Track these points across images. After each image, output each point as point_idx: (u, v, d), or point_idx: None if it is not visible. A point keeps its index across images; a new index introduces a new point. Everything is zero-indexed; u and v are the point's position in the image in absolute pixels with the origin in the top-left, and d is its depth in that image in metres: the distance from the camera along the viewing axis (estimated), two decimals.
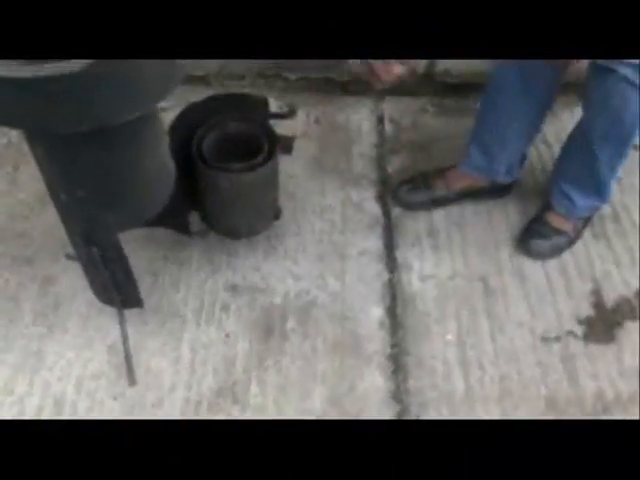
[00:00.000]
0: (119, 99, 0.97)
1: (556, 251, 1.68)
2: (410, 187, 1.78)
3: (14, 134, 1.93)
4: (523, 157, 1.73)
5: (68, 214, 1.24)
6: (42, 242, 1.69)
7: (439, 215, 1.77)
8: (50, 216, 1.72)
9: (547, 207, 1.70)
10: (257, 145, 1.48)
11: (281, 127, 1.65)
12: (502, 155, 1.67)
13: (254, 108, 1.52)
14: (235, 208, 1.55)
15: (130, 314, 1.49)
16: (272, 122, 1.56)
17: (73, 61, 0.89)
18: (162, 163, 1.25)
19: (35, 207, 1.76)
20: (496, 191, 1.77)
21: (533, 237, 1.68)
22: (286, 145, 1.55)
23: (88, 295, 1.56)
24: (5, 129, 1.94)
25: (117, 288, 1.38)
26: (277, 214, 1.69)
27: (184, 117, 1.44)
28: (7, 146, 1.90)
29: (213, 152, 1.47)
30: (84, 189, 1.15)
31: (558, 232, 1.67)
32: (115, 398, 1.44)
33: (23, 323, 1.55)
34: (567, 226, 1.67)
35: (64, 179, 1.15)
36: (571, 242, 1.69)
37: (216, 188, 1.49)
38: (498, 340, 1.54)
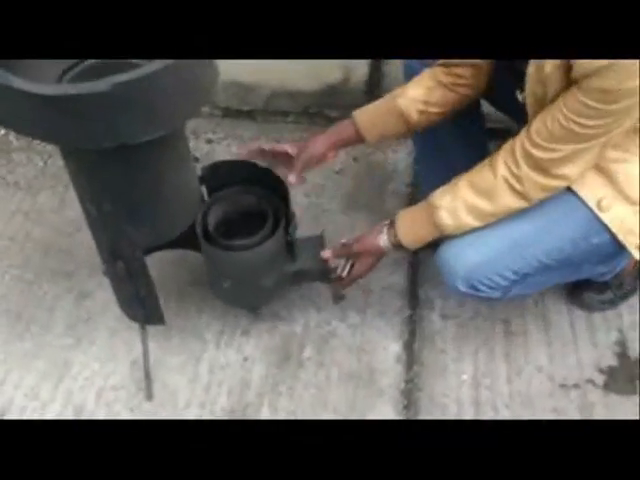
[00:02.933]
0: (141, 120, 1.03)
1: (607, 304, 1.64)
2: None
3: None
4: None
5: (97, 228, 1.32)
6: (83, 258, 1.78)
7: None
8: None
9: None
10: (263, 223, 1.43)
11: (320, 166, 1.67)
12: None
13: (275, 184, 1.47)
14: (214, 276, 1.53)
15: (155, 331, 1.55)
16: None
17: (100, 81, 0.97)
18: (185, 184, 1.31)
19: (81, 225, 1.84)
20: None
21: (588, 290, 1.63)
22: (338, 293, 1.57)
23: (119, 310, 1.63)
24: None
25: (140, 303, 1.44)
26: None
27: (211, 172, 1.48)
28: (62, 168, 2.00)
29: (221, 221, 1.48)
30: (110, 203, 1.22)
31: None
32: (132, 410, 1.49)
33: (55, 333, 1.63)
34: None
35: (92, 192, 1.23)
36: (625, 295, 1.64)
37: (212, 261, 1.49)
38: (514, 383, 1.52)
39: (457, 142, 1.57)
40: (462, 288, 1.30)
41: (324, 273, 1.51)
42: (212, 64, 1.12)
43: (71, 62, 1.14)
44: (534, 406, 1.48)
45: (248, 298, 1.57)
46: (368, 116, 1.43)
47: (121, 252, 1.33)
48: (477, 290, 1.30)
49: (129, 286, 1.39)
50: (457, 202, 1.25)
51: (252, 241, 1.40)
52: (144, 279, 1.38)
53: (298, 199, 1.87)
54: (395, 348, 1.59)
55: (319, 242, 1.54)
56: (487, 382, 1.53)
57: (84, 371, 1.55)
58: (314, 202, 1.92)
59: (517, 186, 1.20)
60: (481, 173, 1.24)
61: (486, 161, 1.25)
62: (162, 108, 1.05)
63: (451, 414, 1.48)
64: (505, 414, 1.47)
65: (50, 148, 2.09)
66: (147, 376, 1.51)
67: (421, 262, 1.77)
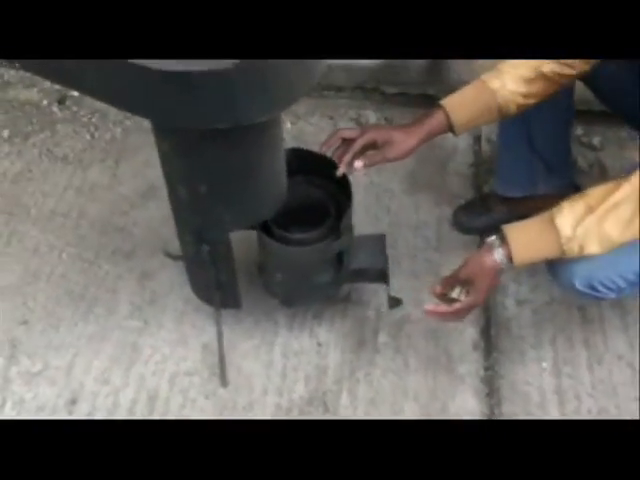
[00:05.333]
0: (259, 100, 0.98)
1: None
2: (469, 211, 1.75)
3: (118, 130, 1.98)
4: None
5: (184, 210, 1.26)
6: (141, 237, 1.72)
7: None
8: (150, 212, 1.77)
9: None
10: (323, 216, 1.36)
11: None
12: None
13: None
14: (266, 267, 1.47)
15: (225, 314, 1.50)
16: None
17: (223, 60, 0.91)
18: (279, 167, 1.25)
19: (135, 202, 1.80)
20: None
21: None
22: (392, 301, 1.51)
23: (185, 292, 1.58)
24: (110, 124, 1.99)
25: (219, 287, 1.39)
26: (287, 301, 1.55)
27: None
28: (111, 141, 1.95)
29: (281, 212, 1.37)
30: (206, 185, 1.16)
31: None
32: (207, 397, 1.45)
33: (120, 315, 1.57)
34: None
35: (188, 174, 1.17)
36: None
37: (266, 252, 1.41)
38: (596, 371, 1.49)
39: (543, 114, 1.51)
40: (579, 287, 1.24)
41: (383, 275, 1.46)
42: None
43: None
44: (618, 395, 1.46)
45: (299, 294, 1.50)
46: (463, 110, 1.32)
47: (208, 236, 1.28)
48: (595, 290, 1.24)
49: (210, 270, 1.34)
50: (591, 235, 1.14)
51: (311, 236, 1.34)
52: (228, 263, 1.34)
53: (358, 179, 1.80)
54: (471, 333, 1.56)
55: (380, 242, 1.49)
56: (568, 370, 1.49)
57: (155, 355, 1.51)
58: (375, 181, 1.87)
59: None
60: (623, 205, 1.12)
61: (626, 188, 1.12)
62: (279, 88, 1.00)
63: (534, 403, 1.45)
64: (589, 403, 1.44)
65: (96, 120, 2.01)
66: (222, 362, 1.46)
67: None
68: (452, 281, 1.28)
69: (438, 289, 1.29)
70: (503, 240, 1.20)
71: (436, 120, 1.32)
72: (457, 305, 1.26)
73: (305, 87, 1.05)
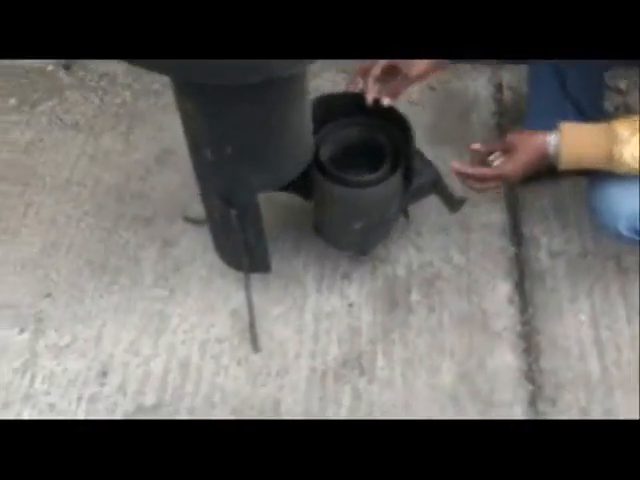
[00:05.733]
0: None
1: None
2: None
3: (128, 94, 1.92)
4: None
5: (210, 173, 1.21)
6: (160, 203, 1.67)
7: (567, 188, 1.68)
8: (167, 177, 1.72)
9: None
10: (381, 159, 1.34)
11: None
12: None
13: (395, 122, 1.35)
14: (321, 214, 1.45)
15: (252, 279, 1.46)
16: None
17: None
18: (306, 126, 1.20)
19: (151, 168, 1.74)
20: None
21: None
22: (455, 203, 1.43)
23: (208, 258, 1.54)
24: (119, 88, 1.93)
25: (248, 251, 1.35)
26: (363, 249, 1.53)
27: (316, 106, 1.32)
28: (121, 105, 1.89)
29: (334, 154, 1.36)
30: (233, 146, 1.11)
31: None
32: (239, 363, 1.42)
33: (144, 285, 1.54)
34: None
35: (214, 135, 1.12)
36: None
37: (325, 197, 1.38)
38: (634, 323, 1.46)
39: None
40: (623, 230, 1.21)
41: (438, 183, 1.42)
42: None
43: None
44: None
45: (375, 236, 1.48)
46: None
47: (236, 199, 1.23)
48: (638, 234, 1.21)
49: (239, 234, 1.29)
50: None
51: (379, 175, 1.31)
52: (257, 227, 1.29)
53: None
54: (505, 288, 1.52)
55: (419, 154, 1.43)
56: (606, 322, 1.46)
57: (183, 324, 1.47)
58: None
59: None
60: None
61: None
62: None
63: (573, 356, 1.42)
64: (629, 355, 1.41)
65: (105, 85, 1.95)
66: (252, 327, 1.43)
67: (519, 197, 1.67)
68: (495, 144, 1.27)
69: (478, 146, 1.27)
70: (558, 130, 1.19)
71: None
72: (485, 170, 1.25)
73: None
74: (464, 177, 1.29)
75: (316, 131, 1.33)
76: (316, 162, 1.31)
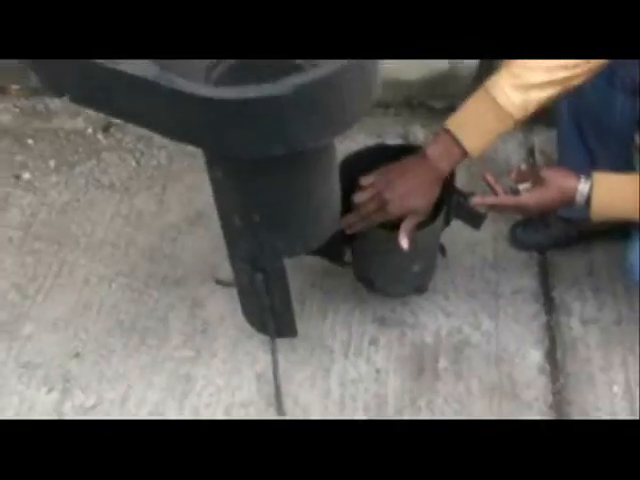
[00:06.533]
0: (317, 123, 0.93)
1: None
2: (526, 227, 1.68)
3: (163, 155, 1.97)
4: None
5: (238, 239, 1.22)
6: (191, 265, 1.69)
7: (599, 253, 1.66)
8: (198, 238, 1.75)
9: None
10: None
11: None
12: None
13: None
14: (375, 264, 1.45)
15: (278, 342, 1.46)
16: None
17: (278, 83, 0.87)
18: (334, 192, 1.21)
19: (183, 229, 1.77)
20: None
21: None
22: (475, 219, 1.43)
23: (236, 320, 1.54)
24: (155, 150, 1.98)
25: (273, 315, 1.35)
26: (422, 288, 1.55)
27: (347, 164, 1.33)
28: (156, 167, 1.94)
29: None
30: (260, 214, 1.13)
31: None
32: None
33: (172, 345, 1.54)
34: None
35: (242, 203, 1.13)
36: None
37: (383, 246, 1.35)
38: None
39: (606, 142, 1.45)
40: None
41: (462, 206, 1.37)
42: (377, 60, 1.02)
43: (211, 61, 1.05)
44: None
45: (430, 274, 1.51)
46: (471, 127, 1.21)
47: (262, 263, 1.24)
48: None
49: (264, 298, 1.30)
50: None
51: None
52: (283, 291, 1.29)
53: None
54: (535, 357, 1.49)
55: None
56: None
57: (209, 386, 1.47)
58: None
59: None
60: None
61: None
62: (338, 110, 0.95)
63: None
64: None
65: (141, 147, 2.00)
66: (278, 392, 1.42)
67: (550, 263, 1.66)
68: (529, 173, 1.26)
69: (513, 175, 1.27)
70: (589, 178, 1.18)
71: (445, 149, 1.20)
72: (507, 200, 1.25)
73: (364, 107, 1.01)
74: (484, 203, 1.29)
75: (353, 186, 1.33)
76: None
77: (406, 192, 1.20)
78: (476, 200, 1.28)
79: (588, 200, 1.17)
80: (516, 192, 1.25)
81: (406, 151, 1.35)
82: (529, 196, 1.23)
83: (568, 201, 1.20)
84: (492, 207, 1.30)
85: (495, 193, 1.27)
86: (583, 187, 1.18)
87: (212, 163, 1.12)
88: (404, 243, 1.22)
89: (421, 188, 1.21)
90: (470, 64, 1.90)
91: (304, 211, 1.17)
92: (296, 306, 1.54)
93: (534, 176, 1.24)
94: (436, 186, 1.22)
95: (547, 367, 1.47)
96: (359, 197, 1.24)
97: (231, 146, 0.96)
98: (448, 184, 1.34)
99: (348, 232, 1.29)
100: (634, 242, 1.26)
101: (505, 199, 1.26)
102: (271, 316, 1.34)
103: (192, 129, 0.95)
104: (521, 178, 1.27)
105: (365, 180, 1.25)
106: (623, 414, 1.39)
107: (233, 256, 1.30)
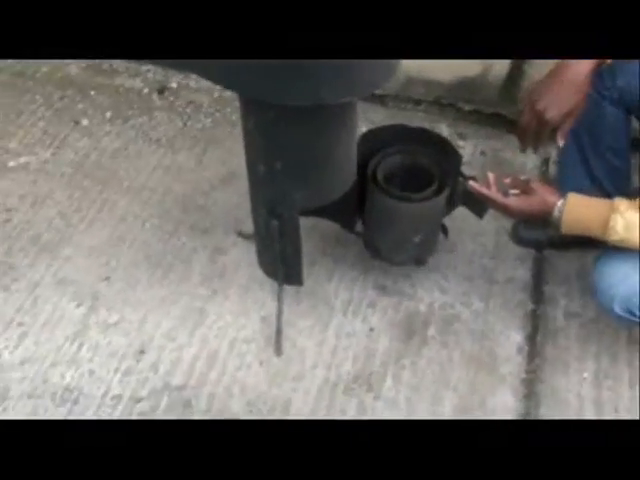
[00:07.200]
0: (345, 83, 1.09)
1: None
2: (527, 225, 1.80)
3: (208, 121, 2.15)
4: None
5: (260, 186, 1.39)
6: (218, 217, 1.86)
7: (591, 259, 1.77)
8: (228, 195, 1.92)
9: None
10: (428, 180, 1.49)
11: None
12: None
13: (444, 151, 1.52)
14: (381, 232, 1.58)
15: (286, 294, 1.62)
16: None
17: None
18: (351, 151, 1.36)
19: (216, 185, 1.95)
20: None
21: None
22: (478, 207, 1.59)
23: (251, 270, 1.70)
24: (202, 115, 2.16)
25: (284, 263, 1.50)
26: (421, 259, 1.70)
27: (366, 138, 1.51)
28: (200, 130, 2.12)
29: (387, 177, 1.51)
30: (282, 162, 1.29)
31: None
32: (261, 363, 1.56)
33: (191, 283, 1.71)
34: None
35: (267, 150, 1.30)
36: None
37: (388, 214, 1.52)
38: (636, 389, 1.53)
39: (601, 151, 1.57)
40: (618, 310, 1.30)
41: (465, 194, 1.53)
42: None
43: None
44: None
45: (430, 248, 1.65)
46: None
47: (279, 211, 1.40)
48: (633, 315, 1.30)
49: (278, 245, 1.46)
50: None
51: (434, 190, 1.46)
52: (295, 239, 1.45)
53: None
54: (517, 338, 1.62)
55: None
56: (609, 383, 1.54)
57: (218, 321, 1.63)
58: None
59: None
60: None
61: None
62: (363, 75, 1.10)
63: (571, 409, 1.50)
64: (626, 417, 1.48)
65: (190, 111, 2.19)
66: (278, 332, 1.58)
67: (546, 260, 1.79)
68: (521, 182, 1.39)
69: (508, 180, 1.40)
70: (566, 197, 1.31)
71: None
72: (497, 197, 1.38)
73: (385, 77, 1.16)
74: (478, 191, 1.43)
75: (369, 159, 1.52)
76: (375, 184, 1.47)
77: (556, 97, 1.33)
78: (472, 184, 1.42)
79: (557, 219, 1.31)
80: (506, 194, 1.40)
81: (424, 135, 1.51)
82: (515, 199, 1.38)
83: (546, 213, 1.33)
84: (483, 198, 1.43)
85: (488, 188, 1.41)
86: (562, 204, 1.31)
87: (246, 112, 1.29)
88: (560, 142, 1.38)
89: (570, 89, 1.33)
90: (500, 72, 2.05)
91: (322, 166, 1.32)
92: (307, 268, 1.70)
93: (525, 186, 1.38)
94: (584, 86, 1.33)
95: (526, 348, 1.60)
96: (523, 118, 1.38)
97: (271, 94, 1.11)
98: (453, 167, 1.50)
99: (521, 150, 1.45)
100: (595, 269, 1.37)
101: (495, 195, 1.39)
102: (281, 262, 1.50)
103: (237, 77, 1.10)
104: (514, 184, 1.41)
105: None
106: (589, 398, 1.51)
107: (254, 203, 1.46)
